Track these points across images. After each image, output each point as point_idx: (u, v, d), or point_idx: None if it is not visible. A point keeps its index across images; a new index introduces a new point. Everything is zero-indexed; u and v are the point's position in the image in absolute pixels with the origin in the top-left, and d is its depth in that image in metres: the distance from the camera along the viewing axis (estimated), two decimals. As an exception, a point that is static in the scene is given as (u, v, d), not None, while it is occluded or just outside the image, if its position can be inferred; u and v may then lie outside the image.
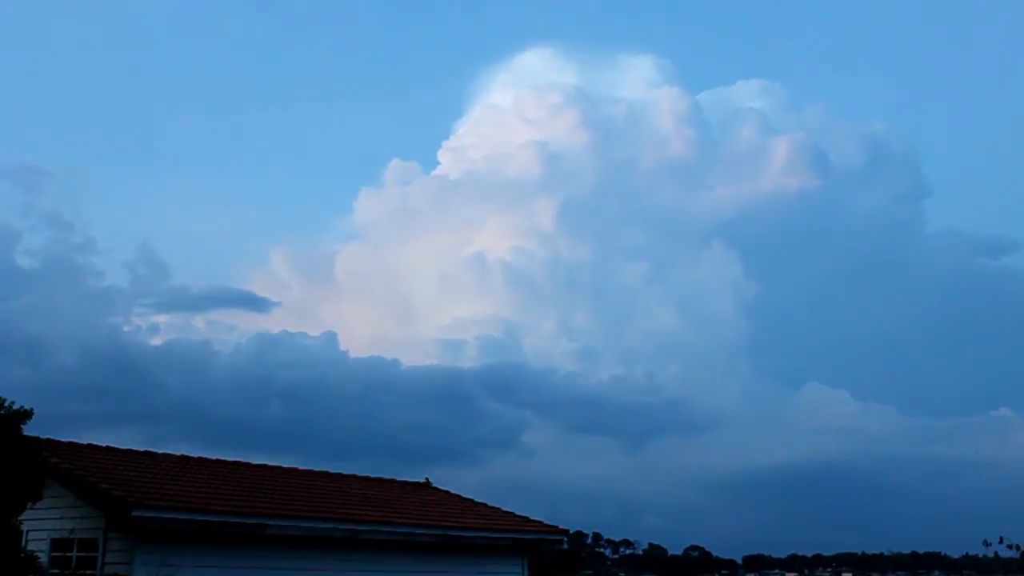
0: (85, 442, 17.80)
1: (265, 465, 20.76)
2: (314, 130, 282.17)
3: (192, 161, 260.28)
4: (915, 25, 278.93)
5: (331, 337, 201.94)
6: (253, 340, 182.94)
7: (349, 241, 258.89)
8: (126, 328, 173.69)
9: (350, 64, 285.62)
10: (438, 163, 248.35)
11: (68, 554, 14.60)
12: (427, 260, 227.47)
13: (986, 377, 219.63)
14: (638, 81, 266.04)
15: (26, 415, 12.42)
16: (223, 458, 20.47)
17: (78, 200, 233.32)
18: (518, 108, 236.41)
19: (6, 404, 12.36)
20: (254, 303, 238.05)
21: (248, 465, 20.37)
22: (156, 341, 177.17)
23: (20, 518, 12.51)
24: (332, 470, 22.64)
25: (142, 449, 19.02)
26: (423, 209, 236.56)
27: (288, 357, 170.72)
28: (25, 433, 12.44)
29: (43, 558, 14.04)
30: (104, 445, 18.12)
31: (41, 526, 14.49)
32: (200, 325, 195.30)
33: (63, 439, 17.45)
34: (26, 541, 13.63)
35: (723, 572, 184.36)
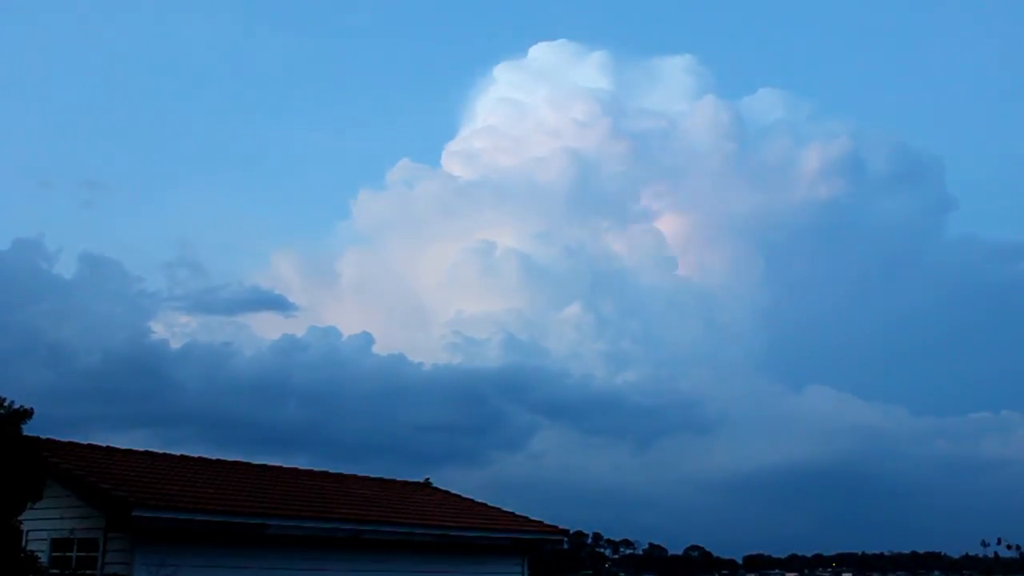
0: (86, 442, 17.80)
1: (265, 465, 20.75)
2: (324, 135, 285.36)
3: (219, 168, 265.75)
4: (938, 36, 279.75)
5: (360, 339, 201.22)
6: (275, 342, 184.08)
7: (368, 243, 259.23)
8: (151, 331, 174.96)
9: (359, 67, 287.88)
10: (447, 165, 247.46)
11: (68, 554, 14.58)
12: (442, 261, 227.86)
13: (993, 379, 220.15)
14: (662, 83, 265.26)
15: (26, 415, 12.41)
16: (234, 459, 20.53)
17: (113, 207, 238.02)
18: (534, 106, 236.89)
19: (6, 404, 12.35)
20: (278, 305, 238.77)
21: (248, 465, 20.36)
22: (178, 344, 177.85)
23: (20, 518, 12.51)
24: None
25: (148, 450, 19.02)
26: (438, 210, 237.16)
27: (307, 359, 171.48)
28: (33, 434, 12.45)
29: (43, 558, 14.03)
30: (104, 445, 18.12)
31: (41, 526, 14.47)
32: (225, 327, 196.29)
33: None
34: (26, 541, 13.61)
35: (723, 572, 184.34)
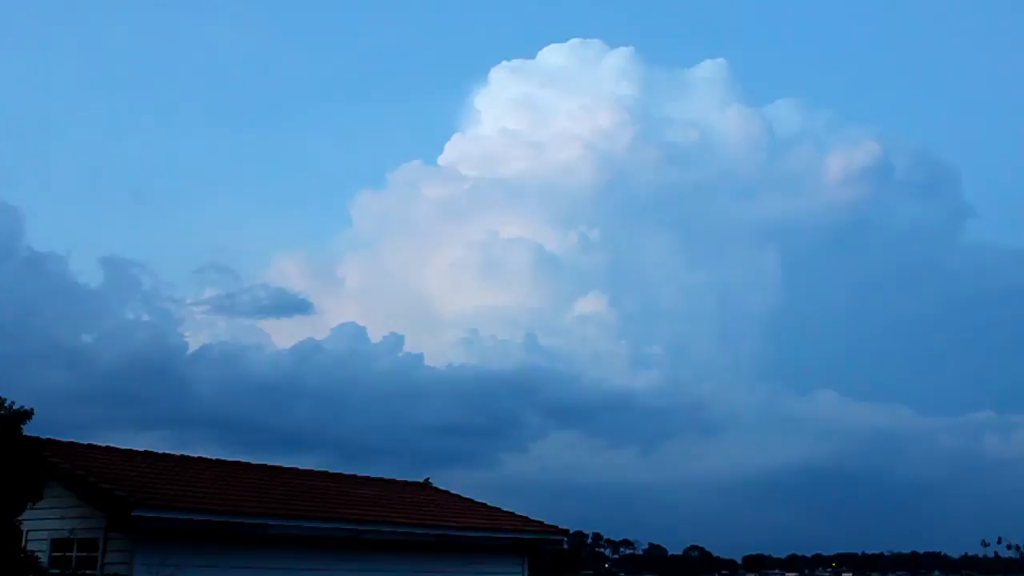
0: (86, 442, 17.78)
1: (265, 465, 20.74)
2: (332, 140, 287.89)
3: (237, 175, 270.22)
4: (954, 46, 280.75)
5: (390, 340, 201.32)
6: (295, 345, 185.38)
7: (380, 246, 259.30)
8: (173, 335, 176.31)
9: (369, 72, 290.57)
10: (448, 163, 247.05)
11: (68, 554, 14.58)
12: (454, 262, 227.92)
13: (998, 380, 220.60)
14: (678, 88, 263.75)
15: (27, 415, 12.42)
16: (234, 459, 20.57)
17: (137, 213, 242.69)
18: (544, 105, 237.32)
19: (7, 404, 12.36)
20: (296, 308, 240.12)
21: (249, 465, 20.36)
22: (201, 347, 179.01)
23: (20, 518, 12.51)
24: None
25: (148, 450, 19.01)
26: (449, 211, 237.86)
27: (324, 362, 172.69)
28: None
29: (43, 558, 14.03)
30: (104, 445, 18.11)
31: (41, 526, 14.47)
32: (245, 331, 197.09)
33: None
34: (26, 541, 13.63)
35: (723, 572, 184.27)
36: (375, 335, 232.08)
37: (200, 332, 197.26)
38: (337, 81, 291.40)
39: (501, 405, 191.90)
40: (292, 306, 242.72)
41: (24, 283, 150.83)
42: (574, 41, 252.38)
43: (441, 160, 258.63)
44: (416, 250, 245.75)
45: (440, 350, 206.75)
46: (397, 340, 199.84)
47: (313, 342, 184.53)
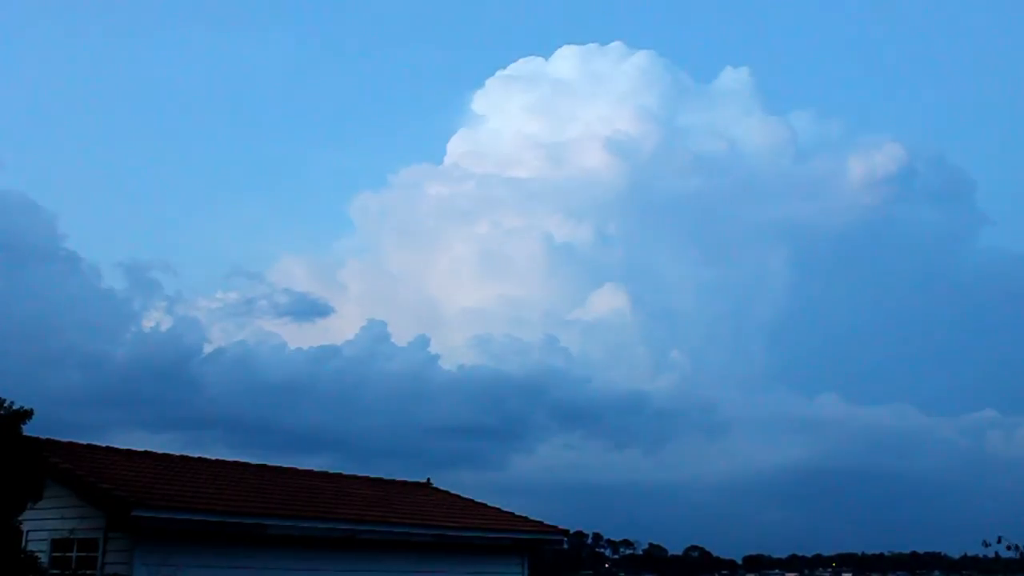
0: (85, 442, 17.80)
1: (265, 465, 20.77)
2: (337, 144, 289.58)
3: (249, 182, 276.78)
4: (972, 54, 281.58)
5: (417, 341, 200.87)
6: (312, 348, 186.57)
7: (390, 247, 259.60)
8: (190, 337, 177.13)
9: (373, 78, 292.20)
10: (453, 161, 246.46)
11: (68, 554, 14.60)
12: (463, 263, 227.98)
13: (1001, 380, 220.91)
14: (686, 92, 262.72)
15: (26, 415, 12.43)
16: (234, 459, 20.62)
17: (153, 218, 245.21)
18: (552, 107, 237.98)
19: (6, 404, 12.37)
20: (318, 311, 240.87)
21: (248, 465, 20.38)
22: (218, 349, 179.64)
23: (20, 518, 12.53)
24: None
25: (147, 450, 19.03)
26: (461, 212, 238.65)
27: (342, 364, 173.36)
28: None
29: (43, 558, 14.05)
30: (104, 445, 18.13)
31: (41, 526, 14.50)
32: (258, 333, 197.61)
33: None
34: (26, 541, 13.64)
35: (723, 572, 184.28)
36: (399, 337, 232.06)
37: (219, 336, 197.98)
38: (346, 88, 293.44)
39: (511, 406, 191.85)
40: (312, 310, 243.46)
41: (49, 284, 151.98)
42: (592, 45, 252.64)
43: (449, 161, 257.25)
44: (426, 251, 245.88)
45: (454, 350, 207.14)
46: (423, 341, 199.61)
47: (334, 346, 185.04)
